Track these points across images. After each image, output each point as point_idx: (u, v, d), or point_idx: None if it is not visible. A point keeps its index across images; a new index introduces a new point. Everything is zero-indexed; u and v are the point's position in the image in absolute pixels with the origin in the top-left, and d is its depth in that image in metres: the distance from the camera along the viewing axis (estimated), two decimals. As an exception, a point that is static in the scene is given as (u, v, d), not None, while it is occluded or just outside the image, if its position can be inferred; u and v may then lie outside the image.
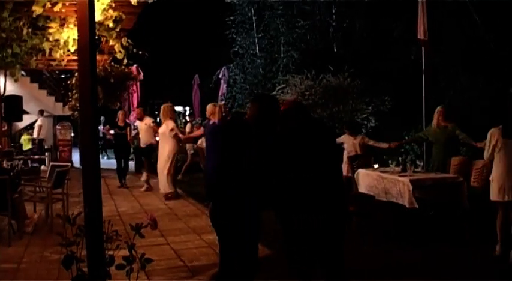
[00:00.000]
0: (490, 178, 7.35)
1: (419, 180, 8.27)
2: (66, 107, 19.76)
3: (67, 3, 7.56)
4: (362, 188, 9.43)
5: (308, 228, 4.53)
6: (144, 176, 14.78)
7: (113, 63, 14.36)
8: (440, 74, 17.62)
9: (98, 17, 7.56)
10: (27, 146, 21.33)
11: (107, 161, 21.77)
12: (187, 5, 31.17)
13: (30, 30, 8.16)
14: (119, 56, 9.04)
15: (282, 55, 23.94)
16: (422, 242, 7.87)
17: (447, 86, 17.86)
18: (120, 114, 15.67)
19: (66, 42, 8.43)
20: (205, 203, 11.15)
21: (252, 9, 24.92)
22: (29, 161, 15.63)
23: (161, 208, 11.46)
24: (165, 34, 34.46)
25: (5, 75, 13.26)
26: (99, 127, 19.67)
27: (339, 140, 10.62)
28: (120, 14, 8.06)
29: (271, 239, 6.72)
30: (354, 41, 22.31)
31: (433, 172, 9.12)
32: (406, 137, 12.09)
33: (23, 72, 18.06)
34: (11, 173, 8.94)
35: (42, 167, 15.42)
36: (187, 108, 32.87)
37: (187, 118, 22.85)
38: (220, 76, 24.53)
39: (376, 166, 10.20)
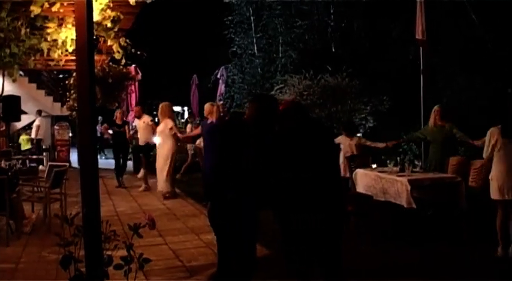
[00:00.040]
0: (490, 177, 7.35)
1: (417, 180, 8.28)
2: (64, 107, 19.72)
3: (65, 3, 7.55)
4: (360, 188, 9.44)
5: (306, 228, 4.53)
6: (141, 173, 14.76)
7: (111, 63, 14.32)
8: (438, 74, 17.64)
9: (96, 17, 7.56)
10: (25, 146, 21.33)
11: (105, 161, 21.75)
12: (186, 5, 31.17)
13: (28, 30, 8.15)
14: (117, 56, 9.03)
15: (280, 55, 23.96)
16: (420, 242, 7.88)
17: (445, 86, 17.89)
18: (118, 112, 15.69)
19: (64, 42, 8.41)
20: (203, 203, 11.16)
21: (250, 9, 24.94)
22: (27, 161, 15.61)
23: (159, 208, 11.45)
24: (164, 34, 34.43)
25: (3, 75, 13.24)
26: (97, 127, 19.66)
27: (335, 140, 10.62)
28: (118, 14, 8.05)
29: (269, 239, 6.73)
30: (352, 41, 22.33)
31: (431, 172, 9.13)
32: (404, 137, 12.06)
33: (21, 73, 18.04)
34: (9, 173, 8.94)
35: (40, 167, 15.40)
36: (186, 108, 32.84)
37: (188, 119, 22.79)
38: (218, 76, 24.53)
39: (374, 166, 10.22)
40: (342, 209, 4.85)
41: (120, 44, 8.77)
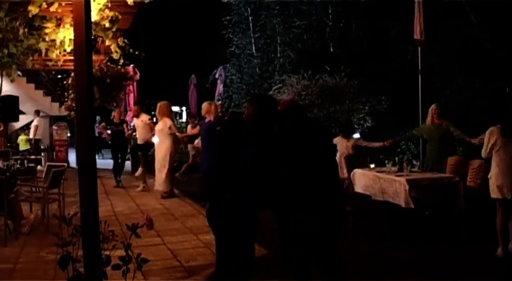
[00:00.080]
0: (489, 176, 7.35)
1: (415, 180, 8.28)
2: (63, 107, 19.71)
3: (63, 3, 7.55)
4: (358, 188, 9.43)
5: (304, 228, 4.53)
6: (139, 171, 14.76)
7: (109, 63, 14.33)
8: (436, 74, 17.68)
9: (94, 17, 7.56)
10: (24, 146, 21.32)
11: (103, 161, 21.75)
12: (184, 5, 31.17)
13: (26, 30, 8.16)
14: (115, 56, 9.03)
15: (278, 55, 24.00)
16: (418, 242, 7.88)
17: (443, 85, 17.92)
18: (116, 112, 15.69)
19: (62, 43, 8.42)
20: (201, 203, 11.16)
21: (249, 9, 24.98)
22: (25, 161, 15.60)
23: (158, 208, 11.45)
24: (162, 34, 34.47)
25: (1, 76, 13.23)
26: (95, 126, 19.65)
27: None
28: (117, 14, 8.05)
29: (267, 239, 6.71)
30: (351, 41, 22.38)
31: (429, 172, 9.13)
32: (401, 135, 12.07)
33: (19, 73, 18.02)
34: (7, 173, 8.93)
35: (39, 167, 15.40)
36: (184, 108, 32.84)
37: (188, 118, 22.77)
38: (216, 76, 24.53)
39: (372, 165, 10.22)
40: (340, 209, 4.84)
41: (118, 44, 8.77)
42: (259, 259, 5.69)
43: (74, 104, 14.10)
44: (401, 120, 16.20)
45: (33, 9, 7.35)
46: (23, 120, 21.25)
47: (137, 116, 14.92)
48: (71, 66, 13.18)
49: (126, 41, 8.99)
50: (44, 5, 7.41)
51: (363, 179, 9.41)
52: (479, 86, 16.96)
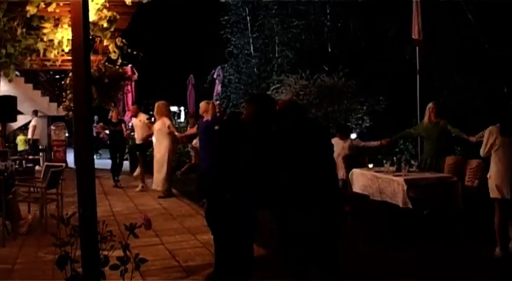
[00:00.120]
0: (488, 176, 7.35)
1: (413, 180, 8.29)
2: (61, 107, 19.70)
3: (61, 3, 7.53)
4: (356, 188, 9.44)
5: (303, 228, 4.53)
6: (137, 171, 14.76)
7: (107, 63, 14.32)
8: (434, 74, 17.68)
9: (92, 17, 7.54)
10: (22, 146, 21.30)
11: (101, 161, 21.74)
12: (182, 5, 31.17)
13: (24, 30, 8.13)
14: (113, 56, 9.01)
15: (276, 55, 24.00)
16: (416, 242, 7.89)
17: (441, 85, 17.92)
18: (114, 112, 15.69)
19: (60, 43, 8.39)
20: (199, 203, 11.18)
21: (247, 9, 24.98)
22: (24, 162, 15.57)
23: (156, 208, 11.45)
24: (160, 34, 34.46)
25: (-1, 76, 13.23)
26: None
27: None
28: (115, 14, 8.03)
29: (266, 239, 6.71)
30: (349, 40, 22.39)
31: (427, 172, 9.14)
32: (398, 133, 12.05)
33: (17, 73, 18.02)
34: (5, 174, 8.92)
35: (37, 167, 15.39)
36: (182, 108, 32.84)
37: (189, 118, 22.75)
38: (215, 76, 24.54)
39: (371, 165, 10.22)
40: (338, 209, 4.84)
41: (116, 44, 8.75)
42: (258, 259, 5.68)
43: (72, 104, 14.06)
44: (399, 120, 16.19)
45: (31, 9, 7.34)
46: (21, 120, 21.26)
47: (135, 115, 14.94)
48: (69, 66, 13.14)
49: (124, 41, 8.97)
50: (42, 5, 7.39)
51: (361, 179, 9.42)
52: (478, 86, 16.97)
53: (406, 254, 7.40)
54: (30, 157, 17.47)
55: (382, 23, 19.93)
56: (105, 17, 7.88)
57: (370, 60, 20.03)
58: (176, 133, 13.33)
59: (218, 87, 24.29)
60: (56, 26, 8.22)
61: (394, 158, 9.62)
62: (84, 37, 4.49)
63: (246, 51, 25.45)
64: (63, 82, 16.83)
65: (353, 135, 12.55)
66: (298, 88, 16.30)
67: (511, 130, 7.06)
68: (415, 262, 7.10)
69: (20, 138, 21.85)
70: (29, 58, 9.48)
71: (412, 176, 8.49)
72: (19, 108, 18.12)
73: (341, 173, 10.12)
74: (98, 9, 7.71)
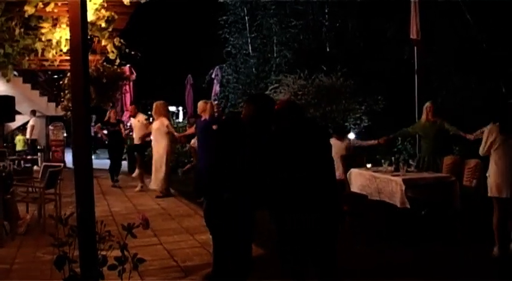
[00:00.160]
0: (487, 174, 7.35)
1: (411, 179, 8.30)
2: (59, 107, 19.72)
3: (59, 3, 7.53)
4: (355, 188, 9.44)
5: (301, 227, 4.53)
6: (136, 173, 14.76)
7: (105, 63, 14.33)
8: (432, 74, 17.67)
9: (90, 17, 7.54)
10: (21, 146, 21.28)
11: (100, 161, 21.73)
12: (180, 5, 31.17)
13: (22, 30, 8.12)
14: (111, 56, 9.01)
15: (274, 55, 23.96)
16: (414, 242, 7.90)
17: (440, 86, 17.91)
18: (112, 112, 15.69)
19: (58, 43, 8.39)
20: (197, 201, 11.20)
21: (245, 9, 24.94)
22: (22, 162, 15.60)
23: (154, 208, 11.44)
24: (158, 34, 34.46)
25: (-3, 76, 13.23)
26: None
27: None
28: (113, 14, 8.04)
29: (264, 239, 6.71)
30: (347, 40, 22.36)
31: (425, 172, 9.15)
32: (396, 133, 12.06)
33: (15, 73, 18.00)
34: (3, 174, 8.92)
35: (35, 167, 15.43)
36: (181, 108, 32.86)
37: (189, 118, 22.74)
38: (213, 76, 24.57)
39: (369, 165, 10.23)
40: (337, 208, 4.84)
41: (114, 44, 8.75)
42: (256, 259, 5.69)
43: (70, 104, 14.09)
44: (397, 120, 16.17)
45: (29, 9, 7.34)
46: (19, 120, 21.25)
47: (134, 116, 14.96)
48: (67, 66, 13.15)
49: (122, 41, 8.97)
50: (40, 5, 7.39)
51: (359, 179, 9.43)
52: (476, 86, 16.95)
53: (404, 254, 7.41)
54: (29, 157, 17.50)
55: (380, 23, 19.91)
56: (103, 17, 7.89)
57: (369, 60, 20.01)
58: (175, 133, 13.36)
59: (216, 87, 24.31)
60: (54, 26, 8.21)
61: (393, 158, 9.63)
62: (82, 37, 4.49)
63: (244, 51, 25.42)
64: (61, 82, 16.86)
65: (351, 136, 12.54)
66: (297, 88, 16.29)
67: (510, 129, 7.07)
68: (413, 261, 7.11)
69: (18, 139, 21.84)
70: (27, 58, 9.47)
71: (410, 176, 8.50)
72: (17, 108, 18.08)
73: (338, 173, 10.12)
74: (96, 9, 7.71)
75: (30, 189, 10.54)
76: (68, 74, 14.41)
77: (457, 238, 8.04)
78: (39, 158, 20.08)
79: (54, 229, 5.23)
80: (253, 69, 24.75)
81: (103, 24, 7.97)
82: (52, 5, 7.42)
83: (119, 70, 15.00)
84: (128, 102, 21.59)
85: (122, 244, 4.27)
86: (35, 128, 21.37)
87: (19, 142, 21.60)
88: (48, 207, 9.45)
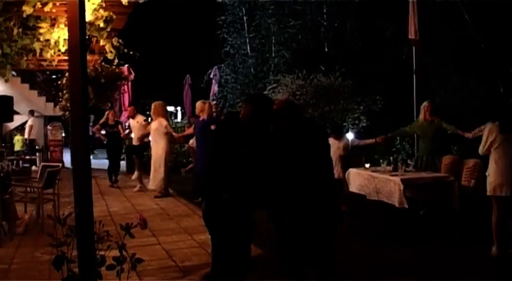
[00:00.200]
0: (487, 173, 7.35)
1: (410, 179, 8.30)
2: (57, 107, 19.69)
3: (57, 3, 7.52)
4: (353, 188, 9.45)
5: (299, 227, 4.53)
6: (135, 175, 14.76)
7: (103, 63, 14.30)
8: (431, 74, 17.68)
9: (89, 17, 7.52)
10: (19, 146, 21.26)
11: (98, 161, 21.71)
12: (178, 5, 31.14)
13: (20, 30, 8.11)
14: (109, 56, 8.99)
15: (273, 55, 23.96)
16: (413, 242, 7.90)
17: (438, 86, 17.92)
18: (110, 114, 15.68)
19: (56, 42, 8.38)
20: (194, 201, 11.21)
21: (243, 9, 24.94)
22: (20, 162, 15.56)
23: (153, 208, 11.44)
24: (156, 34, 34.41)
25: (-4, 76, 13.23)
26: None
27: None
28: (111, 14, 8.02)
29: (263, 239, 6.72)
30: (345, 40, 22.36)
31: (424, 172, 9.15)
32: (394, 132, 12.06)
33: (13, 73, 17.98)
34: (1, 174, 8.92)
35: (33, 167, 15.39)
36: (179, 108, 32.83)
37: (189, 119, 22.73)
38: (211, 76, 24.56)
39: (367, 165, 10.24)
40: (335, 208, 4.84)
41: (112, 44, 8.74)
42: (255, 259, 5.69)
43: (68, 104, 14.08)
44: (396, 120, 16.18)
45: (27, 9, 7.32)
46: (17, 120, 21.25)
47: (133, 117, 14.98)
48: (65, 66, 13.14)
49: (120, 41, 8.96)
50: (38, 5, 7.37)
51: (357, 179, 9.43)
52: (474, 86, 16.97)
53: (403, 254, 7.41)
54: (27, 157, 17.47)
55: (378, 23, 19.91)
56: (102, 17, 7.87)
57: (367, 60, 20.01)
58: (174, 133, 13.38)
59: (215, 87, 24.30)
60: (53, 26, 8.20)
61: (391, 157, 9.64)
62: (81, 37, 4.49)
63: (243, 51, 25.42)
64: (59, 82, 16.83)
65: (350, 135, 12.55)
66: (295, 88, 16.28)
67: (510, 128, 7.07)
68: (412, 261, 7.12)
69: (17, 139, 21.81)
70: (25, 58, 9.47)
71: (408, 175, 8.50)
72: (15, 108, 18.06)
73: (335, 172, 10.13)
74: (95, 9, 7.69)
75: (28, 189, 10.54)
76: (66, 74, 14.38)
77: (455, 237, 8.05)
78: (37, 158, 20.05)
79: (52, 229, 5.23)
80: (252, 69, 24.76)
81: (101, 24, 7.96)
82: (50, 5, 7.40)
83: (117, 70, 14.95)
84: (126, 103, 21.58)
85: (120, 244, 4.27)
86: (33, 128, 21.35)
87: (18, 142, 21.57)
88: (46, 207, 9.45)
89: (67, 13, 4.85)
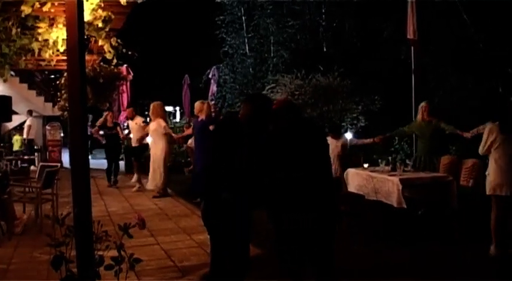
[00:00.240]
0: (487, 173, 7.35)
1: (408, 179, 8.29)
2: (56, 107, 19.67)
3: (56, 3, 7.51)
4: (351, 188, 9.44)
5: (298, 227, 4.53)
6: (134, 178, 14.77)
7: (102, 63, 14.29)
8: (429, 74, 17.68)
9: (87, 17, 7.51)
10: (18, 146, 21.26)
11: (97, 161, 21.70)
12: (177, 5, 31.16)
13: (19, 30, 8.10)
14: (108, 56, 8.98)
15: (271, 55, 23.99)
16: (411, 242, 7.90)
17: (437, 85, 17.93)
18: (108, 115, 15.66)
19: (55, 42, 8.37)
20: (193, 201, 11.22)
21: (242, 8, 24.97)
22: (19, 162, 15.55)
23: (151, 208, 11.44)
24: (155, 34, 34.45)
25: (-6, 76, 13.19)
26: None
27: None
28: (110, 13, 8.01)
29: (262, 239, 6.72)
30: (344, 40, 22.38)
31: (422, 171, 9.14)
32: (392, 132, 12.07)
33: (12, 73, 17.98)
34: (0, 174, 8.91)
35: (32, 167, 15.37)
36: (178, 108, 32.85)
37: (184, 119, 22.75)
38: (210, 76, 24.54)
39: (366, 165, 10.24)
40: (334, 208, 4.84)
41: (111, 44, 8.73)
42: (254, 259, 5.69)
43: (67, 104, 14.06)
44: (394, 120, 16.18)
45: (26, 9, 7.31)
46: (16, 120, 21.25)
47: (132, 118, 15.01)
48: (64, 66, 13.11)
49: (119, 41, 8.95)
50: (37, 4, 7.37)
51: (356, 179, 9.42)
52: (473, 86, 16.97)
53: (401, 253, 7.41)
54: (26, 157, 17.45)
55: (377, 23, 19.93)
56: (100, 17, 7.86)
57: (365, 60, 20.03)
58: (173, 134, 13.40)
59: (213, 87, 24.28)
60: (51, 25, 8.20)
61: (389, 157, 9.64)
62: (79, 37, 4.49)
63: (241, 51, 25.44)
64: (58, 82, 16.79)
65: (349, 135, 12.56)
66: (294, 88, 16.30)
67: (510, 128, 7.07)
68: (410, 261, 7.11)
69: (16, 138, 21.83)
70: (23, 58, 9.46)
71: (407, 175, 8.49)
72: (14, 108, 18.08)
73: (333, 171, 10.14)
74: (93, 9, 7.68)
75: (27, 189, 10.53)
76: (65, 74, 14.37)
77: (454, 237, 8.05)
78: (36, 158, 20.03)
79: (51, 229, 5.22)
80: (250, 69, 24.77)
81: (100, 24, 7.95)
82: (49, 4, 7.39)
83: (115, 70, 14.92)
84: (125, 103, 21.57)
85: (118, 244, 4.27)
86: (32, 128, 21.34)
87: (16, 141, 21.59)
88: (45, 207, 9.43)
89: (65, 13, 4.86)
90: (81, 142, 4.54)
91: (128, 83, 21.35)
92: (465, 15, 17.18)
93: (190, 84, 24.74)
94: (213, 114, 11.36)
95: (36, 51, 8.74)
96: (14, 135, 22.44)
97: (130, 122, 15.25)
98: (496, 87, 16.80)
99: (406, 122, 10.89)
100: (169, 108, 30.43)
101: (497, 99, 16.04)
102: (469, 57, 17.22)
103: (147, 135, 13.77)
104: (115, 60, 9.27)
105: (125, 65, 19.20)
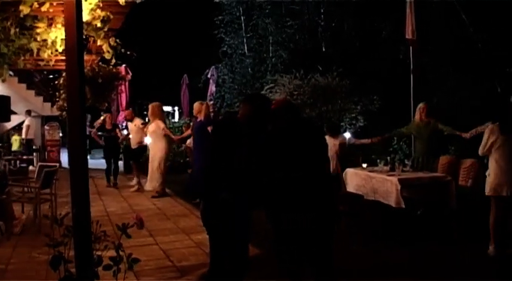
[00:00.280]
0: (487, 173, 7.35)
1: (407, 179, 8.29)
2: (55, 107, 19.66)
3: (55, 3, 7.50)
4: (350, 188, 9.44)
5: (297, 227, 4.53)
6: (134, 180, 14.78)
7: (101, 63, 14.28)
8: (428, 74, 17.69)
9: (86, 16, 7.51)
10: (17, 146, 21.24)
11: (96, 161, 21.69)
12: (176, 5, 31.14)
13: (17, 30, 8.09)
14: (107, 56, 8.98)
15: (270, 55, 24.01)
16: (410, 242, 7.90)
17: (435, 85, 17.94)
18: (107, 117, 15.66)
19: (54, 42, 8.37)
20: (192, 201, 11.22)
21: (241, 8, 25.00)
22: (17, 162, 15.57)
23: (150, 208, 11.43)
24: (154, 34, 34.40)
25: (-7, 76, 13.19)
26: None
27: None
28: (108, 13, 8.01)
29: (261, 239, 6.71)
30: (343, 40, 22.40)
31: (421, 171, 9.14)
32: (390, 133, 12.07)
33: (10, 73, 17.96)
34: (-2, 174, 8.92)
35: (31, 167, 15.39)
36: (176, 108, 32.83)
37: (181, 119, 22.74)
38: (209, 76, 24.56)
39: (364, 165, 10.23)
40: (333, 208, 4.84)
41: (110, 44, 8.72)
42: (253, 259, 5.68)
43: (65, 104, 14.04)
44: (393, 120, 16.20)
45: (24, 9, 7.31)
46: (14, 120, 21.21)
47: (131, 120, 15.01)
48: (62, 66, 13.11)
49: (117, 41, 8.95)
50: (36, 4, 7.36)
51: (355, 179, 9.43)
52: (471, 86, 16.99)
53: (400, 253, 7.41)
54: (24, 157, 17.46)
55: (376, 23, 19.98)
56: (99, 16, 7.86)
57: (364, 60, 20.05)
58: (172, 136, 13.41)
59: (212, 87, 24.30)
60: (50, 25, 8.19)
61: (388, 157, 9.65)
62: (78, 37, 4.48)
63: (240, 51, 25.47)
64: (56, 82, 16.79)
65: (347, 135, 12.56)
66: (292, 88, 16.32)
67: (511, 129, 7.08)
68: (409, 261, 7.12)
69: (15, 138, 21.81)
70: (22, 58, 9.46)
71: (405, 175, 8.49)
72: (13, 108, 18.09)
73: (331, 169, 10.15)
74: (92, 9, 7.68)
75: (25, 189, 10.51)
76: (64, 74, 14.37)
77: (452, 237, 8.05)
78: (34, 158, 20.04)
79: (49, 229, 5.22)
80: (249, 69, 24.79)
81: (98, 24, 7.95)
82: (47, 4, 7.39)
83: (114, 70, 14.93)
84: (124, 103, 21.57)
85: (116, 244, 4.26)
86: (31, 128, 21.32)
87: (15, 141, 21.57)
88: (43, 207, 9.42)
89: (64, 13, 4.84)
90: (79, 142, 4.54)
91: (127, 83, 21.34)
92: (464, 15, 17.20)
93: (189, 84, 24.76)
94: (212, 114, 11.35)
95: (35, 51, 8.74)
96: (13, 135, 22.41)
97: (129, 124, 15.24)
98: (495, 87, 16.81)
99: (405, 122, 10.90)
100: (168, 108, 30.40)
101: (496, 99, 16.05)
102: (468, 57, 17.24)
103: (146, 135, 13.76)
104: (114, 60, 9.27)
105: (124, 65, 19.21)
